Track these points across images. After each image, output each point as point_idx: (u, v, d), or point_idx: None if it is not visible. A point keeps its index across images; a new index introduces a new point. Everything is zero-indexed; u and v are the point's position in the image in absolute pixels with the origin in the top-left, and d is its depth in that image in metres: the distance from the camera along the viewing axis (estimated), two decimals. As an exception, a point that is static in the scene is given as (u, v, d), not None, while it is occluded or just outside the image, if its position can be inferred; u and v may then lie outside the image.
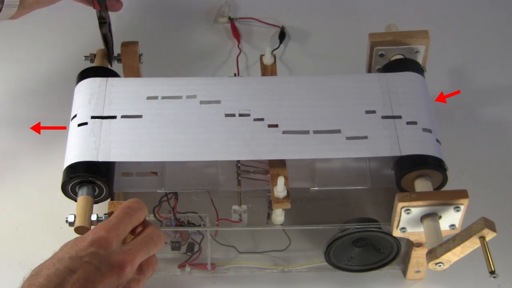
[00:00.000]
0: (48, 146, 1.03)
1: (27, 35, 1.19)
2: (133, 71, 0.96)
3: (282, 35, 1.19)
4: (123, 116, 0.87)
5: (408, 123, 0.87)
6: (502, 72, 1.15)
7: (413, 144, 0.85)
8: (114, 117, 0.87)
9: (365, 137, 0.86)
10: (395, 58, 0.95)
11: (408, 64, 0.93)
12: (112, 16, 0.98)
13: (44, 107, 1.09)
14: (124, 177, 0.88)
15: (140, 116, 0.88)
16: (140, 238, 0.76)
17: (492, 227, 0.73)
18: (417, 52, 0.94)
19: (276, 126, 0.87)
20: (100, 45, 0.97)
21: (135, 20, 1.22)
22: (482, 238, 0.73)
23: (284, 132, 0.86)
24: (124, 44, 0.95)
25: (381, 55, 0.95)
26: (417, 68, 0.93)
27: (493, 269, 0.72)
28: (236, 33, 1.20)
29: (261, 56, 0.98)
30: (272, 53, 0.98)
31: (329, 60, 1.16)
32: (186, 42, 1.19)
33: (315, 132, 0.86)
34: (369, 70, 0.97)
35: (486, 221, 0.73)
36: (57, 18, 1.19)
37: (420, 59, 0.95)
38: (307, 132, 0.87)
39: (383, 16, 1.20)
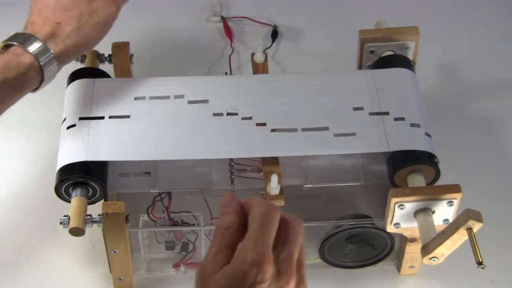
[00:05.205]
0: (41, 146, 1.03)
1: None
2: (124, 72, 0.95)
3: (275, 34, 1.19)
4: (111, 117, 0.87)
5: (395, 119, 0.87)
6: (493, 67, 1.15)
7: (401, 140, 0.85)
8: (102, 117, 0.87)
9: (353, 134, 0.86)
10: (385, 55, 0.95)
11: (397, 60, 0.93)
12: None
13: (37, 108, 1.09)
14: (118, 178, 0.87)
15: (128, 117, 0.87)
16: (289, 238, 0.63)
17: (478, 218, 0.73)
18: (407, 48, 0.94)
19: (264, 124, 0.87)
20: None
21: (126, 19, 1.22)
22: (470, 229, 0.73)
23: (272, 130, 0.86)
24: (115, 45, 0.95)
25: (372, 52, 0.95)
26: (407, 64, 0.93)
27: (480, 260, 0.72)
28: (228, 32, 1.19)
29: (252, 54, 0.98)
30: (263, 51, 0.97)
31: (322, 58, 1.16)
32: (178, 42, 1.19)
33: (303, 129, 0.86)
34: (360, 67, 0.97)
35: (470, 212, 0.73)
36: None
37: (410, 55, 0.95)
38: (295, 130, 0.86)
39: (374, 13, 1.20)
